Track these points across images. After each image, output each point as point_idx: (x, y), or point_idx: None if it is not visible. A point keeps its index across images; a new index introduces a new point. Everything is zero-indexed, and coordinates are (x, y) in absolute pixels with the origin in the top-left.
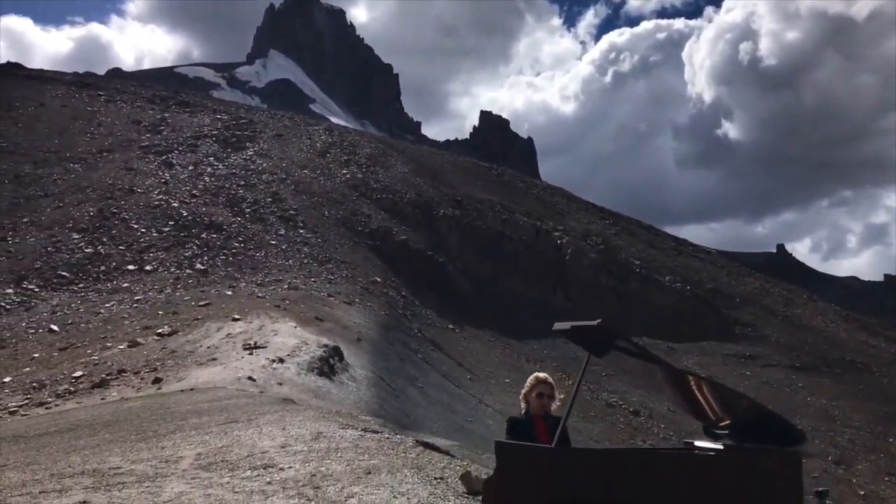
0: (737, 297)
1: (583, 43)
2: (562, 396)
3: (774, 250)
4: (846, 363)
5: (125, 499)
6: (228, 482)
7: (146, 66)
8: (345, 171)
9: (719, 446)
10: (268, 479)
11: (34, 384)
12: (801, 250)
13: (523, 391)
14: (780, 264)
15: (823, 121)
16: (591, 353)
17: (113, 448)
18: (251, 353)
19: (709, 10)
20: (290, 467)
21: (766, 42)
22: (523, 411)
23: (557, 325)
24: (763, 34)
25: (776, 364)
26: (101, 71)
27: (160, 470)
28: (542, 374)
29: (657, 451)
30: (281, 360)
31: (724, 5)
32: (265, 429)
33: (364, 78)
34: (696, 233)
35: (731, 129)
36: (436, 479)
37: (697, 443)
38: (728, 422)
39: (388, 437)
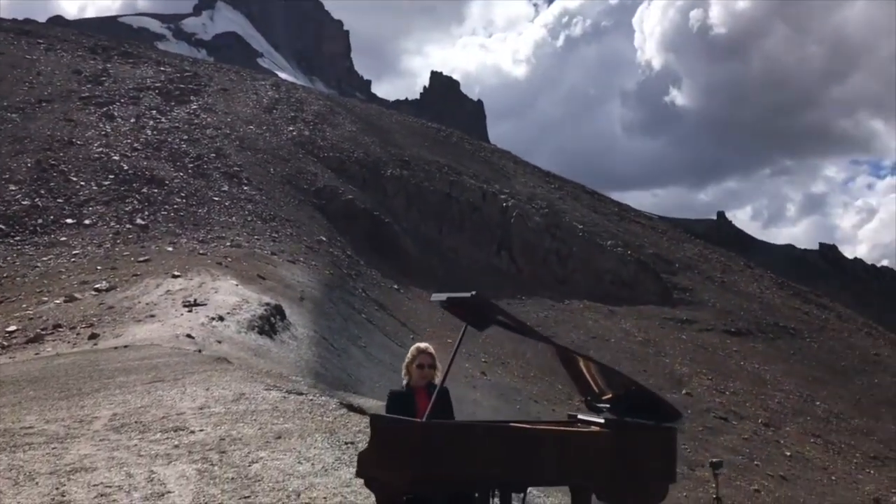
0: (676, 263)
1: (536, 5)
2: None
3: (716, 217)
4: (779, 329)
5: (27, 461)
6: (136, 445)
7: (89, 14)
8: (291, 129)
9: (600, 420)
10: (175, 443)
11: None
12: (742, 217)
13: (405, 362)
14: (721, 231)
15: (770, 90)
16: (467, 325)
17: (33, 406)
18: (190, 311)
19: None
20: (200, 430)
21: (716, 10)
22: (405, 383)
23: (435, 297)
24: (713, 2)
25: (712, 328)
26: (42, 18)
27: (71, 431)
28: (422, 344)
29: (531, 426)
30: (221, 318)
31: None
32: (189, 389)
33: (314, 33)
34: (640, 198)
35: (678, 97)
36: (346, 443)
37: (581, 416)
38: (609, 396)
39: (311, 399)
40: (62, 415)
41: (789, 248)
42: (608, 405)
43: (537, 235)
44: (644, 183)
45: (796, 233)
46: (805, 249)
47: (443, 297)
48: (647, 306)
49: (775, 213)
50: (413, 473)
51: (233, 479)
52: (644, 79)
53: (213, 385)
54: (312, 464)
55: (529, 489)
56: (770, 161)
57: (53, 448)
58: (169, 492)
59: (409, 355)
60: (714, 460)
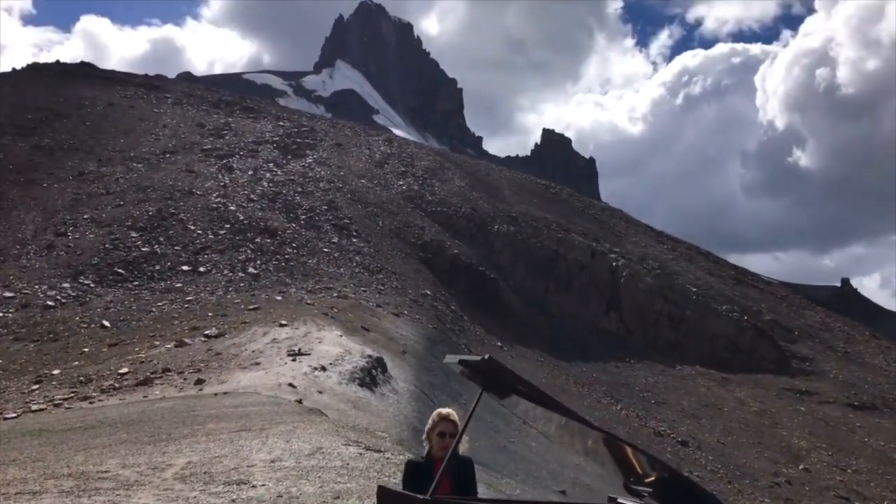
0: (796, 330)
1: (654, 63)
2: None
3: (840, 284)
4: None
5: None
6: (196, 496)
7: (217, 70)
8: (401, 183)
9: None
10: (234, 497)
11: (81, 378)
12: (869, 285)
13: (426, 429)
14: (845, 299)
15: None
16: (483, 390)
17: (120, 449)
18: (294, 360)
19: (786, 33)
20: (262, 485)
21: (844, 70)
22: (425, 452)
23: (448, 358)
24: (841, 62)
25: (833, 401)
26: (173, 74)
27: (142, 478)
28: (444, 410)
29: None
30: (323, 369)
31: (802, 30)
32: (270, 440)
33: (428, 91)
34: (760, 262)
35: (802, 158)
36: None
37: (621, 500)
38: (651, 479)
39: (387, 458)
40: (142, 460)
41: None
42: (649, 489)
43: (648, 297)
44: (764, 246)
45: None
46: None
47: (454, 359)
48: (764, 375)
49: None
50: None
51: None
52: (766, 139)
53: (295, 437)
54: None
55: None
56: None
57: (117, 495)
58: None
59: (430, 421)
60: None
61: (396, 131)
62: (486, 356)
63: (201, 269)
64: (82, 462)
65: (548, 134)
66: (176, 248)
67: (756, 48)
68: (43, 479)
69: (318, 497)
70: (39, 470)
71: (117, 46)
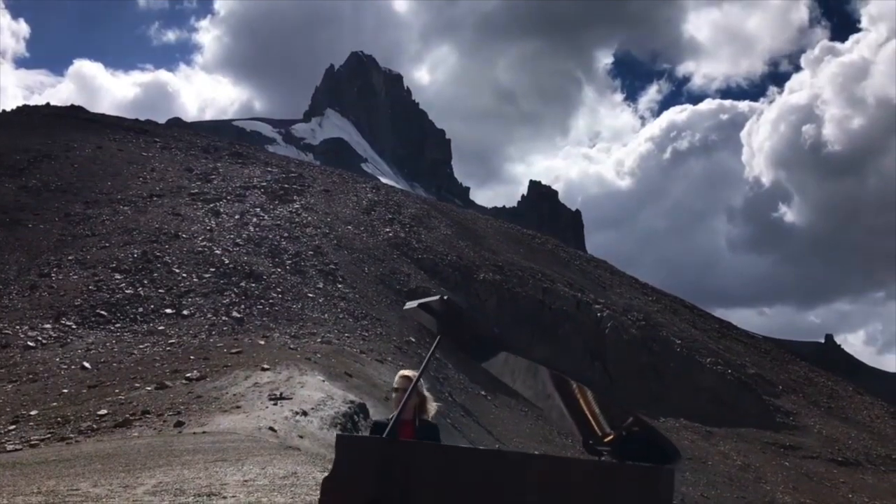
0: (779, 385)
1: (642, 118)
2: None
3: (823, 340)
4: (892, 461)
5: None
6: None
7: (208, 115)
8: (388, 230)
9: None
10: None
11: (59, 419)
12: (854, 342)
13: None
14: (828, 355)
15: (886, 210)
16: (439, 333)
17: (93, 476)
18: (276, 404)
19: (772, 90)
20: (233, 497)
21: (830, 127)
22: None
23: (407, 304)
24: (827, 119)
25: (817, 456)
26: (163, 118)
27: (112, 493)
28: (404, 371)
29: (512, 454)
30: (305, 413)
31: (788, 86)
32: (247, 467)
33: (417, 141)
34: (746, 316)
35: (788, 213)
36: None
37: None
38: (611, 437)
39: None
40: (114, 482)
41: None
42: (609, 448)
43: (633, 348)
44: (750, 301)
45: None
46: None
47: (414, 304)
48: (748, 429)
49: (892, 339)
50: (370, 495)
51: None
52: (752, 195)
53: (271, 466)
54: None
55: None
56: (884, 284)
57: None
58: None
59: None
60: None
61: (384, 180)
62: (444, 296)
63: (185, 312)
64: (54, 486)
65: (535, 185)
66: (160, 290)
67: (744, 105)
68: (12, 496)
69: None
70: (9, 492)
71: (109, 90)
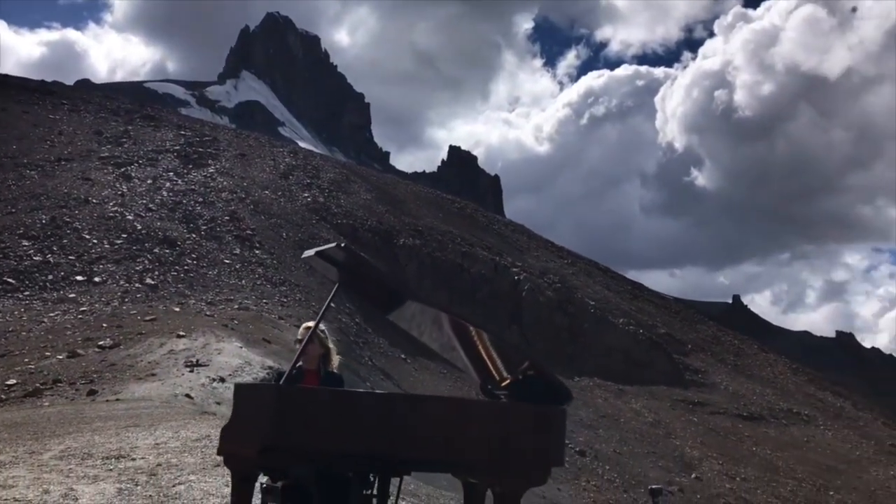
0: (689, 344)
1: (561, 83)
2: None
3: (731, 301)
4: (793, 415)
5: None
6: (71, 469)
7: (119, 77)
8: (306, 195)
9: None
10: (110, 468)
11: None
12: (761, 302)
13: None
14: (735, 315)
15: (793, 174)
16: (339, 282)
17: None
18: (192, 371)
19: (686, 56)
20: (142, 458)
21: (741, 93)
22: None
23: (305, 253)
24: (739, 85)
25: (724, 412)
26: (72, 79)
27: (17, 460)
28: (307, 322)
29: (408, 395)
30: (222, 380)
31: (701, 52)
32: (159, 432)
33: (335, 105)
34: (658, 279)
35: (699, 178)
36: None
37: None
38: (508, 381)
39: None
40: (20, 450)
41: (805, 335)
42: (506, 392)
43: (549, 310)
44: (662, 263)
45: (816, 319)
46: (821, 337)
47: (311, 252)
48: (659, 387)
49: (795, 299)
50: (263, 442)
51: (151, 496)
52: (665, 160)
53: (184, 429)
54: None
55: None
56: (789, 246)
57: None
58: None
59: None
60: (654, 487)
61: (302, 144)
62: (341, 243)
63: (96, 279)
64: None
65: (454, 151)
66: (70, 257)
67: (659, 71)
68: None
69: (198, 465)
70: None
71: (13, 49)
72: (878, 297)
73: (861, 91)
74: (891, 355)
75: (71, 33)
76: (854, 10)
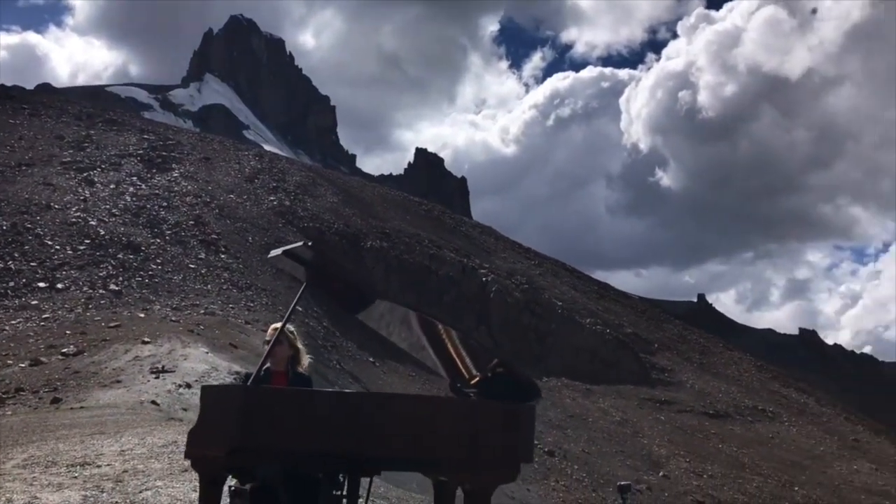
0: (655, 343)
1: (527, 85)
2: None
3: (696, 300)
4: (758, 412)
5: None
6: (35, 477)
7: (81, 81)
8: (272, 198)
9: None
10: (75, 475)
11: None
12: (726, 301)
13: None
14: (700, 314)
15: (755, 174)
16: (306, 282)
17: None
18: (158, 377)
19: (651, 57)
20: (108, 465)
21: (704, 94)
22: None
23: (272, 253)
24: (702, 86)
25: (690, 410)
26: (32, 83)
27: None
28: (275, 324)
29: (376, 394)
30: (188, 386)
31: (665, 53)
32: (125, 439)
33: (300, 108)
34: (624, 279)
35: (664, 178)
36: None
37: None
38: (476, 379)
39: None
40: None
41: (769, 333)
42: (475, 390)
43: (516, 311)
44: (628, 263)
45: (780, 317)
46: (785, 334)
47: (279, 251)
48: (626, 386)
49: (759, 297)
50: (231, 443)
51: (117, 503)
52: (630, 161)
53: (152, 436)
54: None
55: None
56: (752, 244)
57: None
58: None
59: None
60: (622, 483)
61: (268, 147)
62: (308, 242)
63: (59, 285)
64: None
65: (421, 153)
66: (32, 263)
67: (623, 73)
68: None
69: (165, 471)
70: None
71: None
72: (840, 294)
73: (821, 91)
74: (853, 352)
75: (31, 36)
76: (814, 11)
